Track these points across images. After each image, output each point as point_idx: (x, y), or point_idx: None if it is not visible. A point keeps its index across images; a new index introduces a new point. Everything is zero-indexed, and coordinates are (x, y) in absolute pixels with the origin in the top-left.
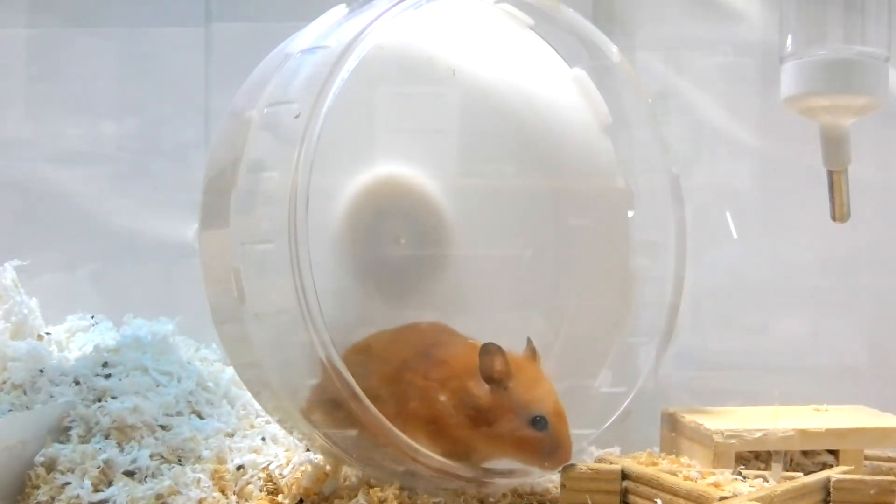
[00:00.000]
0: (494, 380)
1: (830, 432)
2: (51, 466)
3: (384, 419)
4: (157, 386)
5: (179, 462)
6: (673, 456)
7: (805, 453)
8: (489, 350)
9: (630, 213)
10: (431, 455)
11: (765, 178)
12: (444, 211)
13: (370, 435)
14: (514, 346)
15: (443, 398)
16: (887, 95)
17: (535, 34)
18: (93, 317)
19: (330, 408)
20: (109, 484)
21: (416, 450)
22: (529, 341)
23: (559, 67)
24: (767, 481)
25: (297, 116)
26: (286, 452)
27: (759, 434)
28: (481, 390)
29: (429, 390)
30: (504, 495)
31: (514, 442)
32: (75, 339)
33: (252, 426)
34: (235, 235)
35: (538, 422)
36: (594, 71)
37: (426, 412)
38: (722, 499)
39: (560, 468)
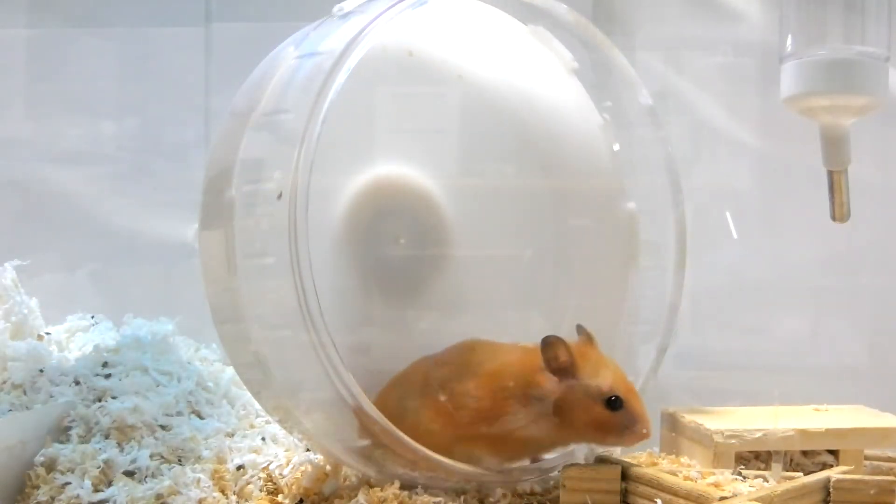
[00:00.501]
0: (562, 370)
1: (830, 432)
2: (51, 466)
3: (396, 429)
4: (157, 386)
5: (179, 462)
6: (673, 456)
7: (805, 453)
8: (551, 342)
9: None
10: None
11: (765, 178)
12: (444, 211)
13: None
14: None
15: (512, 407)
16: (887, 95)
17: (533, 33)
18: (93, 317)
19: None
20: (109, 484)
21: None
22: (580, 328)
23: (558, 66)
24: (767, 481)
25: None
26: (286, 452)
27: (759, 434)
28: (551, 383)
29: (493, 407)
30: (504, 495)
31: (593, 426)
32: (75, 339)
33: (252, 426)
34: (238, 240)
35: (613, 402)
36: (593, 68)
37: (497, 429)
38: (722, 499)
39: (642, 442)
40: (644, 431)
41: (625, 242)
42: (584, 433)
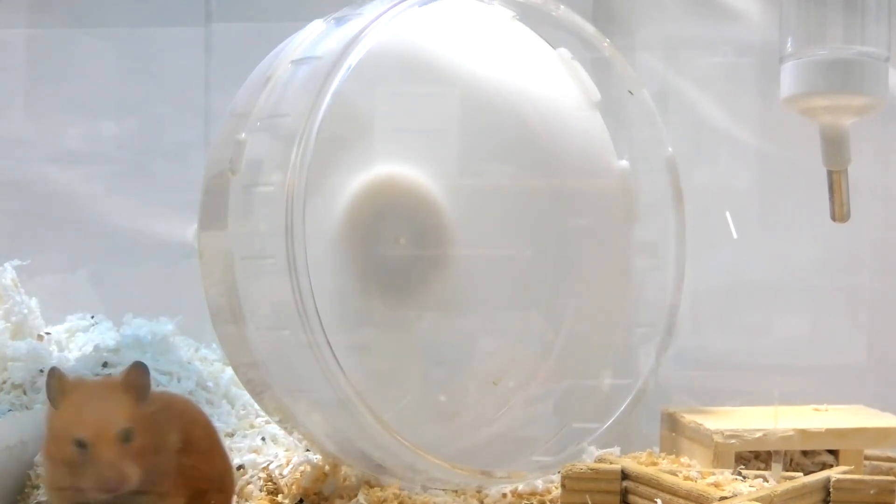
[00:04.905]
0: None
1: (830, 432)
2: None
3: (386, 422)
4: (158, 386)
5: None
6: (673, 456)
7: (805, 453)
8: (55, 375)
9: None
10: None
11: (765, 178)
12: (444, 211)
13: None
14: (513, 346)
15: None
16: (887, 95)
17: (535, 34)
18: (93, 317)
19: None
20: None
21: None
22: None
23: (558, 66)
24: (767, 481)
25: None
26: (286, 452)
27: (759, 434)
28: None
29: None
30: (504, 495)
31: (53, 468)
32: (75, 339)
33: (252, 426)
34: (234, 238)
35: (79, 444)
36: (591, 64)
37: None
38: (722, 499)
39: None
40: (105, 484)
41: (625, 242)
42: (49, 473)
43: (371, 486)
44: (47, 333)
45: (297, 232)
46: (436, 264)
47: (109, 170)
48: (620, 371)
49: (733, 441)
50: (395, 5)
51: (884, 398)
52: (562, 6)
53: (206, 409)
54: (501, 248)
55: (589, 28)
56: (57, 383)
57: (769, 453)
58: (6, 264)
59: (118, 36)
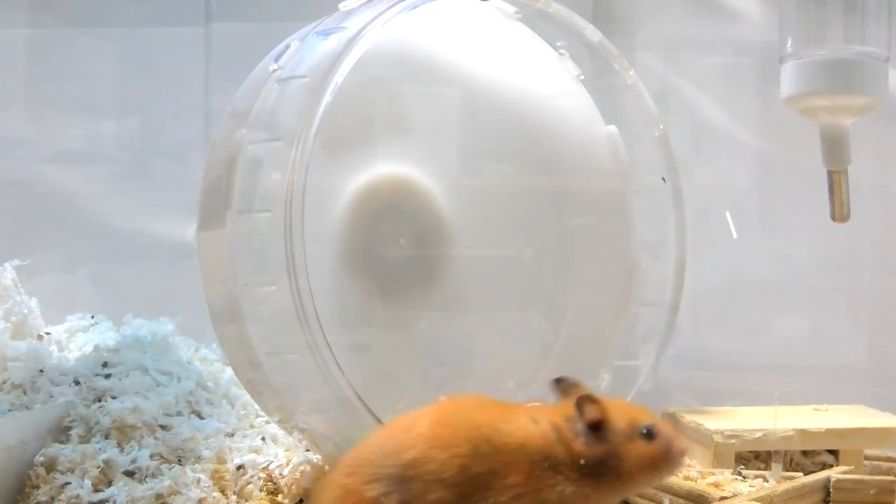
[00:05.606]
0: (600, 426)
1: (830, 432)
2: (51, 466)
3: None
4: (157, 386)
5: (179, 462)
6: None
7: (805, 453)
8: (588, 401)
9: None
10: None
11: (765, 178)
12: (444, 211)
13: None
14: (513, 346)
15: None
16: (887, 95)
17: (535, 34)
18: (93, 317)
19: None
20: (109, 484)
21: None
22: (562, 380)
23: (560, 67)
24: (767, 481)
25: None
26: (286, 452)
27: (759, 434)
28: (597, 443)
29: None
30: None
31: (645, 466)
32: (75, 339)
33: (252, 426)
34: (233, 235)
35: (649, 433)
36: (594, 70)
37: None
38: (722, 499)
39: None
40: (683, 445)
41: (625, 242)
42: (637, 479)
43: None
44: (47, 333)
45: (296, 232)
46: (436, 264)
47: (109, 170)
48: (620, 371)
49: (733, 441)
50: (395, 4)
51: (884, 398)
52: (631, 70)
53: (206, 409)
54: (501, 248)
55: (652, 107)
56: (591, 401)
57: (769, 453)
58: (6, 264)
59: (118, 36)
